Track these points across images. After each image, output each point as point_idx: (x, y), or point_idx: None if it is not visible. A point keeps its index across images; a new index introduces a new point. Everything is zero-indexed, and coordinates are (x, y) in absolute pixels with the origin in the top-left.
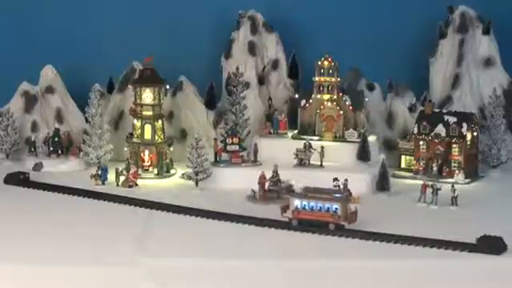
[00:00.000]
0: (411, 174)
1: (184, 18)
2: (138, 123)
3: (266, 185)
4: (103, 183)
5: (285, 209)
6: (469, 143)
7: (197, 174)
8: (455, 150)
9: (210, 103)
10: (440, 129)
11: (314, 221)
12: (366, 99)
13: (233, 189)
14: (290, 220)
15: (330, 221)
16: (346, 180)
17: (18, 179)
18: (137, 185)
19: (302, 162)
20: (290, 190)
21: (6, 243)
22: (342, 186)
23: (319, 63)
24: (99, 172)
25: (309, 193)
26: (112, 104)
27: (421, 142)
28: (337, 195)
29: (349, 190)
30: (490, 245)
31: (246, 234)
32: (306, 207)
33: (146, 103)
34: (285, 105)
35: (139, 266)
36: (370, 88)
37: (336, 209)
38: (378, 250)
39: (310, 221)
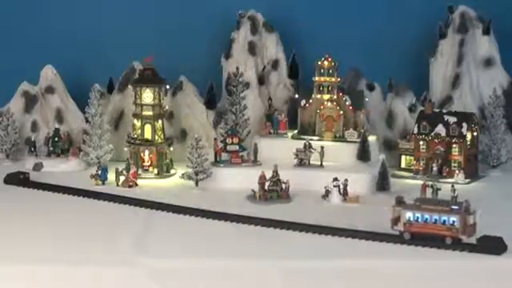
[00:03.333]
0: (411, 174)
1: (184, 17)
2: (137, 123)
3: (266, 185)
4: (103, 183)
5: (396, 221)
6: (469, 143)
7: (197, 174)
8: (455, 149)
9: (210, 103)
10: (440, 129)
11: (428, 234)
12: (366, 99)
13: (233, 189)
14: (402, 233)
15: (446, 234)
16: (346, 180)
17: (18, 179)
18: (137, 185)
19: (302, 162)
20: (400, 200)
21: (6, 243)
22: (341, 186)
23: (319, 63)
24: (99, 172)
25: (422, 204)
26: (112, 104)
27: (421, 142)
28: (454, 207)
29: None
30: (490, 245)
31: (246, 234)
32: (419, 220)
33: (146, 103)
34: (285, 105)
35: (139, 266)
36: (370, 88)
37: (453, 222)
38: (377, 249)
39: (424, 234)
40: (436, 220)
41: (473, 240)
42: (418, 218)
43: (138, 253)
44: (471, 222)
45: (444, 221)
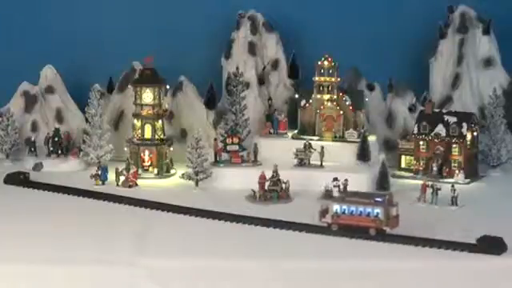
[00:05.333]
0: (411, 174)
1: (184, 17)
2: (137, 123)
3: (266, 185)
4: (103, 183)
5: (324, 213)
6: (469, 143)
7: (197, 174)
8: (455, 149)
9: (210, 103)
10: (440, 129)
11: (354, 226)
12: (366, 99)
13: (233, 189)
14: (329, 225)
15: (371, 226)
16: (346, 180)
17: (18, 179)
18: (137, 185)
19: (302, 162)
20: (328, 194)
21: (6, 243)
22: (341, 186)
23: (319, 63)
24: (99, 172)
25: (348, 197)
26: (112, 104)
27: (421, 142)
28: (378, 199)
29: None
30: (490, 245)
31: (246, 234)
32: (346, 212)
33: (146, 103)
34: (285, 105)
35: (139, 266)
36: (370, 88)
37: (378, 213)
38: (377, 249)
39: (350, 226)
40: (361, 212)
41: (473, 240)
42: (344, 210)
43: (138, 253)
44: (394, 214)
45: (368, 213)
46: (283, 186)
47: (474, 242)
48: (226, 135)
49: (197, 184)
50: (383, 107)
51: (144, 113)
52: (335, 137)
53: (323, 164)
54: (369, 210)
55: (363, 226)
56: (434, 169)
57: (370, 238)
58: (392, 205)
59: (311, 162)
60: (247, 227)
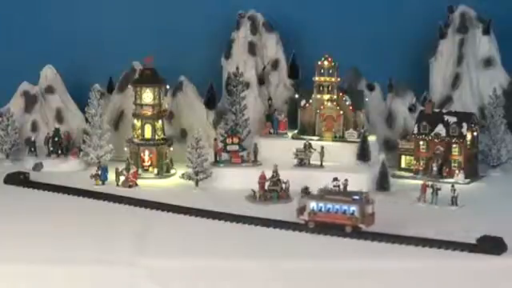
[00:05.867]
0: (411, 174)
1: (184, 17)
2: (138, 123)
3: (266, 185)
4: (103, 183)
5: (301, 211)
6: (469, 143)
7: (197, 174)
8: (455, 149)
9: (210, 103)
10: (440, 129)
11: (331, 223)
12: (366, 99)
13: (233, 189)
14: (307, 222)
15: (347, 223)
16: (346, 180)
17: (18, 179)
18: (137, 185)
19: (302, 162)
20: (306, 191)
21: (6, 243)
22: (342, 186)
23: (319, 63)
24: (99, 172)
25: (325, 194)
26: (112, 104)
27: (421, 142)
28: (354, 197)
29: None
30: (490, 245)
31: (246, 234)
32: (323, 209)
33: (146, 103)
34: (285, 105)
35: (139, 266)
36: (370, 88)
37: (353, 211)
38: (377, 250)
39: (326, 223)
40: (337, 210)
41: (473, 240)
42: (321, 207)
43: (138, 253)
44: (370, 212)
45: (344, 210)
46: (283, 185)
47: (474, 241)
48: (226, 135)
49: (197, 184)
50: (383, 107)
51: (143, 113)
52: (335, 137)
53: (323, 164)
54: (345, 207)
55: (339, 223)
56: (434, 169)
57: (345, 235)
58: (368, 203)
59: (311, 162)
60: (247, 227)
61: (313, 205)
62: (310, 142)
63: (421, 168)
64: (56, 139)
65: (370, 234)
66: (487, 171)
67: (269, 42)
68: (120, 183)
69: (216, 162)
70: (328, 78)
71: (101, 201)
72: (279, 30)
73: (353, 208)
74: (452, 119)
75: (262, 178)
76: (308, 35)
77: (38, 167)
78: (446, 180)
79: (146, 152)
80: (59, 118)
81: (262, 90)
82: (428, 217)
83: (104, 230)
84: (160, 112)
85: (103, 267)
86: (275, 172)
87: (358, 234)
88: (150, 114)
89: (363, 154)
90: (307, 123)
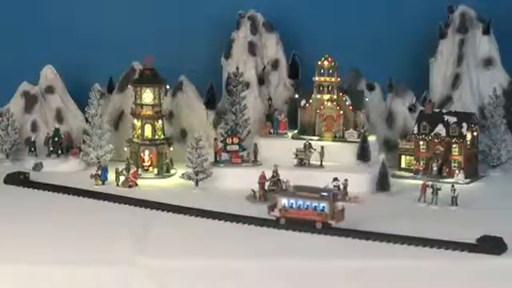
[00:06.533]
0: (411, 174)
1: (184, 17)
2: (137, 123)
3: (266, 185)
4: (103, 183)
5: (273, 207)
6: (469, 143)
7: (197, 174)
8: (455, 149)
9: (210, 103)
10: (440, 129)
11: (301, 219)
12: (366, 99)
13: (233, 189)
14: (278, 218)
15: (317, 219)
16: (346, 180)
17: (18, 179)
18: (137, 185)
19: (302, 162)
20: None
21: (6, 243)
22: (342, 186)
23: (319, 63)
24: (99, 172)
25: (296, 191)
26: (112, 104)
27: (421, 142)
28: (324, 194)
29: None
30: (490, 245)
31: (246, 234)
32: (294, 206)
33: (146, 103)
34: (285, 105)
35: (139, 266)
36: (370, 88)
37: (323, 207)
38: (377, 249)
39: (297, 219)
40: (308, 206)
41: (473, 240)
42: (292, 204)
43: (138, 253)
44: (340, 208)
45: (315, 207)
46: (283, 186)
47: (474, 241)
48: (225, 135)
49: (197, 184)
50: (383, 107)
51: (139, 112)
52: (335, 137)
53: (323, 164)
54: (315, 204)
55: (310, 219)
56: (434, 169)
57: (316, 231)
58: (337, 199)
59: (311, 162)
60: (247, 227)
61: (284, 201)
62: (310, 141)
63: (421, 168)
64: (56, 139)
65: (369, 233)
66: (487, 171)
67: (269, 42)
68: (120, 183)
69: (216, 162)
70: (328, 78)
71: (101, 201)
72: (279, 30)
73: (323, 204)
74: (452, 119)
75: (262, 178)
76: (308, 35)
77: (37, 167)
78: (446, 180)
79: (146, 152)
80: (59, 118)
81: (262, 89)
82: (428, 217)
83: (104, 230)
84: (156, 112)
85: (103, 267)
86: (275, 172)
87: (327, 230)
88: (144, 113)
89: (363, 154)
90: (307, 123)
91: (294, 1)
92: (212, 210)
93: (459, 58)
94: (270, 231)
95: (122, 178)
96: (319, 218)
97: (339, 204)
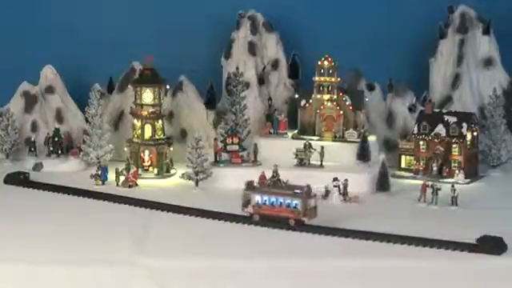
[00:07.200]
0: (411, 174)
1: (184, 17)
2: (138, 123)
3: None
4: (103, 183)
5: (246, 204)
6: (469, 143)
7: (197, 174)
8: (455, 149)
9: (210, 103)
10: (440, 129)
11: (274, 216)
12: (366, 99)
13: (233, 189)
14: (251, 215)
15: (290, 216)
16: (346, 180)
17: (18, 179)
18: (137, 185)
19: (302, 162)
20: (251, 185)
21: (6, 243)
22: (342, 186)
23: (319, 63)
24: (99, 172)
25: (269, 188)
26: (112, 104)
27: (421, 142)
28: (297, 191)
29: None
30: (490, 245)
31: (246, 234)
32: (267, 202)
33: (146, 103)
34: (285, 105)
35: (139, 266)
36: (370, 88)
37: (296, 204)
38: (378, 249)
39: (270, 216)
40: (281, 203)
41: (473, 240)
42: (265, 201)
43: (138, 253)
44: (312, 205)
45: (288, 204)
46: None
47: (474, 241)
48: (225, 135)
49: (197, 184)
50: (383, 107)
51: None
52: (335, 137)
53: (323, 164)
54: (288, 201)
55: (283, 216)
56: (434, 169)
57: (289, 228)
58: (310, 196)
59: (311, 162)
60: (247, 227)
61: (257, 198)
62: (310, 142)
63: (421, 168)
64: (56, 139)
65: (369, 233)
66: (487, 171)
67: (269, 42)
68: (120, 183)
69: (216, 162)
70: (328, 78)
71: (101, 201)
72: (279, 30)
73: (296, 201)
74: (452, 119)
75: (262, 178)
76: (308, 35)
77: (37, 167)
78: (446, 180)
79: (146, 152)
80: (59, 118)
81: (262, 89)
82: (428, 217)
83: (104, 230)
84: (156, 112)
85: (103, 267)
86: (275, 172)
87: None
88: (144, 113)
89: (363, 154)
90: (307, 123)
91: (294, 1)
92: (212, 209)
93: (459, 57)
94: (270, 231)
95: (121, 178)
96: (292, 215)
97: (312, 201)
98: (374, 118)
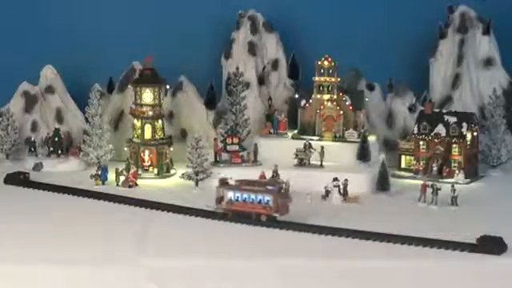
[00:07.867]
0: (411, 174)
1: (184, 17)
2: (137, 123)
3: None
4: (103, 183)
5: (220, 200)
6: (469, 143)
7: (197, 174)
8: (455, 150)
9: (210, 103)
10: (440, 129)
11: (247, 212)
12: (366, 99)
13: None
14: (225, 211)
15: (262, 212)
16: (346, 180)
17: (18, 179)
18: (137, 185)
19: (302, 162)
20: (223, 182)
21: (6, 243)
22: (341, 186)
23: (319, 63)
24: (99, 172)
25: (242, 185)
26: (112, 104)
27: (421, 142)
28: (269, 187)
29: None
30: (490, 245)
31: (246, 234)
32: (239, 199)
33: (146, 103)
34: (285, 105)
35: (139, 266)
36: (370, 88)
37: (268, 201)
38: (378, 249)
39: (243, 212)
40: (253, 199)
41: (473, 240)
42: (238, 197)
43: (138, 253)
44: (285, 202)
45: (260, 200)
46: (283, 185)
47: (474, 241)
48: (226, 135)
49: (197, 184)
50: (383, 107)
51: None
52: (335, 137)
53: (323, 164)
54: (260, 197)
55: (255, 212)
56: (434, 169)
57: (261, 224)
58: (282, 193)
59: (311, 162)
60: (247, 227)
61: (230, 195)
62: (310, 142)
63: (421, 168)
64: (56, 139)
65: (369, 233)
66: (487, 171)
67: (269, 42)
68: (120, 183)
69: (216, 162)
70: (328, 78)
71: (101, 201)
72: (279, 30)
73: (267, 198)
74: (452, 119)
75: (262, 178)
76: (308, 35)
77: (37, 167)
78: (446, 180)
79: (146, 152)
80: (59, 118)
81: (262, 89)
82: (428, 217)
83: (104, 230)
84: (156, 112)
85: (103, 267)
86: (275, 172)
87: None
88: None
89: (363, 154)
90: (307, 123)
91: (294, 1)
92: (212, 209)
93: (459, 58)
94: (270, 231)
95: (122, 178)
96: (264, 211)
97: (285, 197)
98: (374, 117)
